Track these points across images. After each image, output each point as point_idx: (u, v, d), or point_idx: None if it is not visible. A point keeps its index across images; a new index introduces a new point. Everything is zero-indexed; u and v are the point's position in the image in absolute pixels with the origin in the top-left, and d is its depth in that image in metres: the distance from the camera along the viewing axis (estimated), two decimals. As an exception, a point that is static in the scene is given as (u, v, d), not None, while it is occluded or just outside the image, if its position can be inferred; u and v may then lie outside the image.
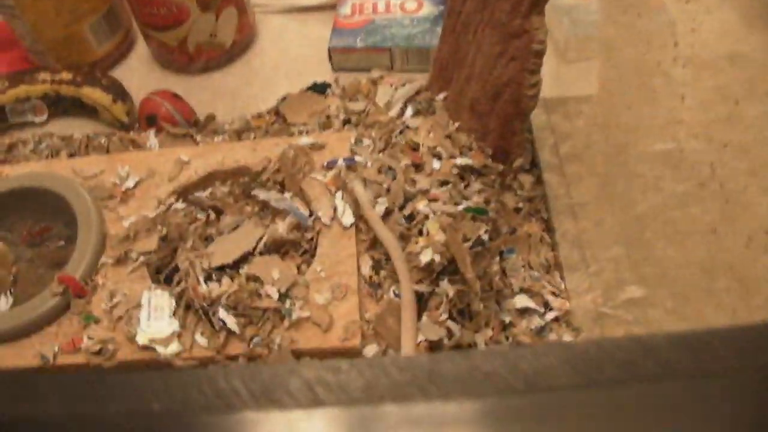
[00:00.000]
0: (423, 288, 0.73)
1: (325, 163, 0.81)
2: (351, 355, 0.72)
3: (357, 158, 0.80)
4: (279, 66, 1.08)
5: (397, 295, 0.74)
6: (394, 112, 0.90)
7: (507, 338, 0.76)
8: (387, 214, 0.77)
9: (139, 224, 0.78)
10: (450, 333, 0.72)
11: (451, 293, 0.73)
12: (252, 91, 1.06)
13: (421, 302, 0.74)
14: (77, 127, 1.03)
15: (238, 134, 0.95)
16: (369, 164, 0.80)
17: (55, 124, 1.05)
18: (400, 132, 0.87)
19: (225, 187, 0.83)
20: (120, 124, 1.03)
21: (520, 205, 0.88)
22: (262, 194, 0.79)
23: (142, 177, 0.83)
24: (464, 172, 0.84)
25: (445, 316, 0.73)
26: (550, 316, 0.79)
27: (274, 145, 0.83)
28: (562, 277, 0.84)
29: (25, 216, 0.83)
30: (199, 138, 0.96)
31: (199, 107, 1.03)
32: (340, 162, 0.80)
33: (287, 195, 0.80)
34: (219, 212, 0.83)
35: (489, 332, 0.75)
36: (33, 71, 1.05)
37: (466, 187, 0.83)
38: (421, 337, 0.72)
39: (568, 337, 0.78)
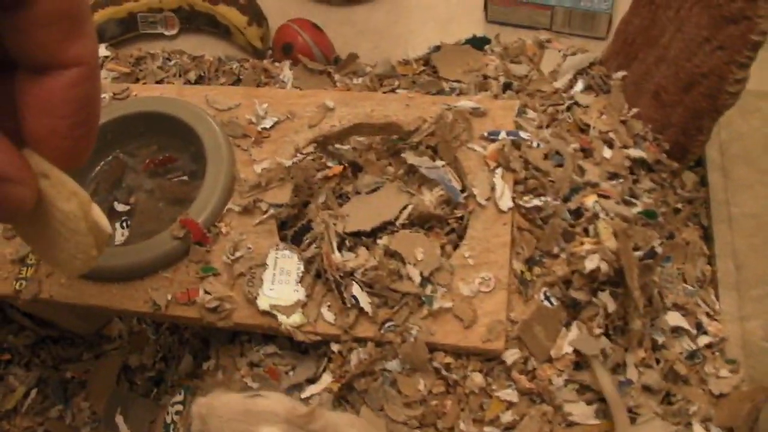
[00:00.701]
0: (580, 296, 0.62)
1: (486, 134, 0.69)
2: (490, 357, 0.62)
3: (522, 134, 0.69)
4: (429, 7, 0.96)
5: (548, 299, 0.63)
6: (561, 84, 0.77)
7: (657, 361, 0.65)
8: (550, 212, 0.66)
9: (273, 172, 0.68)
10: (604, 351, 0.62)
11: (611, 308, 0.62)
12: (397, 31, 0.94)
13: (574, 309, 0.64)
14: (208, 47, 0.93)
15: (381, 80, 0.84)
16: (534, 143, 0.69)
17: (185, 40, 0.96)
18: (568, 108, 0.75)
19: (367, 141, 0.73)
20: (253, 49, 0.93)
21: (679, 206, 0.76)
22: (411, 158, 0.69)
23: (281, 118, 0.73)
24: (635, 166, 0.72)
25: (599, 330, 0.62)
26: (703, 341, 0.68)
27: (430, 104, 0.71)
28: (716, 296, 0.72)
29: (150, 142, 0.74)
30: (337, 78, 0.85)
31: (339, 42, 0.92)
32: (503, 135, 0.68)
33: (439, 163, 0.69)
34: (357, 168, 0.72)
35: (641, 353, 0.64)
36: (168, -20, 0.95)
37: (634, 182, 0.71)
38: (567, 348, 0.62)
39: (724, 372, 0.67)
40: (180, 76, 0.86)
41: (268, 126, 0.72)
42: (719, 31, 0.65)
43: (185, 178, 0.73)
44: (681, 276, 0.72)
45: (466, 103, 0.71)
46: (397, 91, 0.82)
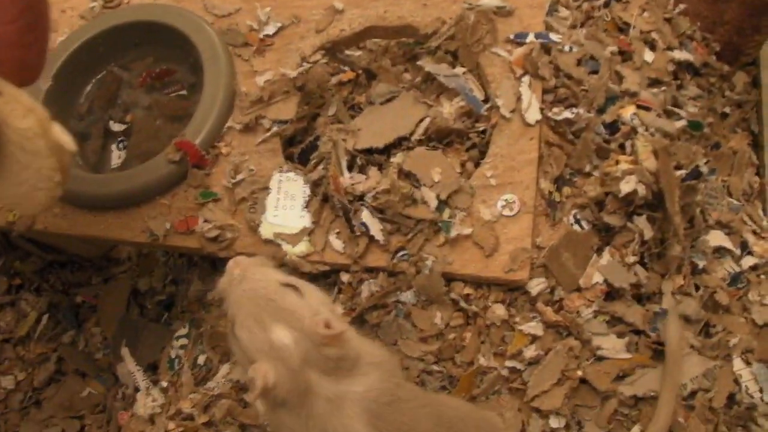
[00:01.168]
0: (614, 220, 0.56)
1: (512, 36, 0.61)
2: (513, 287, 0.56)
3: (552, 36, 0.60)
4: None
5: (578, 222, 0.57)
6: (597, -27, 0.68)
7: (697, 288, 0.58)
8: (582, 125, 0.58)
9: (277, 84, 0.62)
10: (638, 281, 0.55)
11: (647, 234, 0.55)
12: None
13: (607, 234, 0.57)
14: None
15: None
16: (566, 47, 0.60)
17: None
18: (605, 4, 0.66)
19: (383, 44, 0.65)
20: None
21: (727, 110, 0.68)
22: (429, 66, 0.61)
23: (285, 23, 0.65)
24: (679, 70, 0.63)
25: (633, 258, 0.56)
26: (747, 262, 0.60)
27: (450, 3, 0.63)
28: (764, 211, 0.65)
29: (146, 54, 0.67)
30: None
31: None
32: (531, 37, 0.60)
33: (460, 70, 0.61)
34: (371, 76, 0.65)
35: (679, 280, 0.57)
36: None
37: (678, 88, 0.63)
38: (598, 278, 0.56)
39: (770, 298, 0.60)
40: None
41: (271, 33, 0.64)
42: None
43: (184, 92, 0.66)
44: (726, 189, 0.65)
45: (490, 0, 0.62)
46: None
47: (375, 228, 0.56)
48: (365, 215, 0.56)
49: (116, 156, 0.65)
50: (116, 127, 0.66)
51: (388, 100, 0.63)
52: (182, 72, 0.66)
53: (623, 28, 0.64)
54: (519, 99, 0.59)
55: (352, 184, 0.57)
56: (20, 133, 0.39)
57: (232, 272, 0.43)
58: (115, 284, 0.72)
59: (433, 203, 0.56)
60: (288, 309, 0.41)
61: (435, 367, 0.55)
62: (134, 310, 0.71)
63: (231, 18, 0.66)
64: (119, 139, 0.65)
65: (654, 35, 0.63)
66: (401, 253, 0.56)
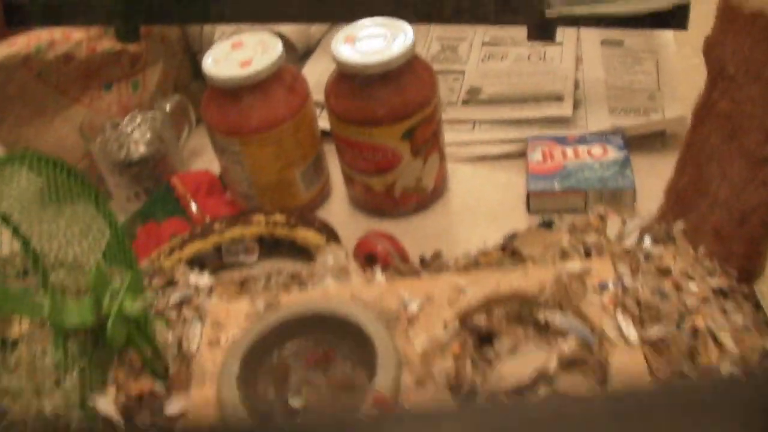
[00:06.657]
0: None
1: (597, 285, 0.83)
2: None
3: (626, 279, 0.83)
4: (474, 210, 1.13)
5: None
6: (629, 243, 0.93)
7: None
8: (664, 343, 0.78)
9: (433, 343, 0.79)
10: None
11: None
12: (453, 232, 1.09)
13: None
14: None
15: (467, 270, 0.97)
16: (638, 286, 0.83)
17: (264, 264, 1.08)
18: (645, 259, 0.90)
19: (499, 310, 0.85)
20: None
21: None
22: (544, 314, 0.81)
23: (423, 301, 0.84)
24: (716, 295, 0.86)
25: None
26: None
27: (544, 272, 0.85)
28: None
29: (308, 341, 0.83)
30: (426, 276, 0.98)
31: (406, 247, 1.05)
32: (611, 285, 0.82)
33: (568, 315, 0.81)
34: (491, 338, 0.84)
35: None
36: (248, 213, 1.08)
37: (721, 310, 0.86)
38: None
39: None
40: (284, 290, 0.97)
41: (414, 309, 0.83)
42: (758, 171, 0.83)
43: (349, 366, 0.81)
44: None
45: (573, 265, 0.85)
46: (484, 274, 0.96)
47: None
48: None
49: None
50: (296, 402, 0.79)
51: (512, 353, 0.81)
52: (342, 351, 0.82)
53: (666, 272, 0.88)
54: (620, 328, 0.79)
55: None
56: None
57: None
58: None
59: None
60: None
61: None
62: None
63: (379, 303, 0.84)
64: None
65: (691, 272, 0.87)
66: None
